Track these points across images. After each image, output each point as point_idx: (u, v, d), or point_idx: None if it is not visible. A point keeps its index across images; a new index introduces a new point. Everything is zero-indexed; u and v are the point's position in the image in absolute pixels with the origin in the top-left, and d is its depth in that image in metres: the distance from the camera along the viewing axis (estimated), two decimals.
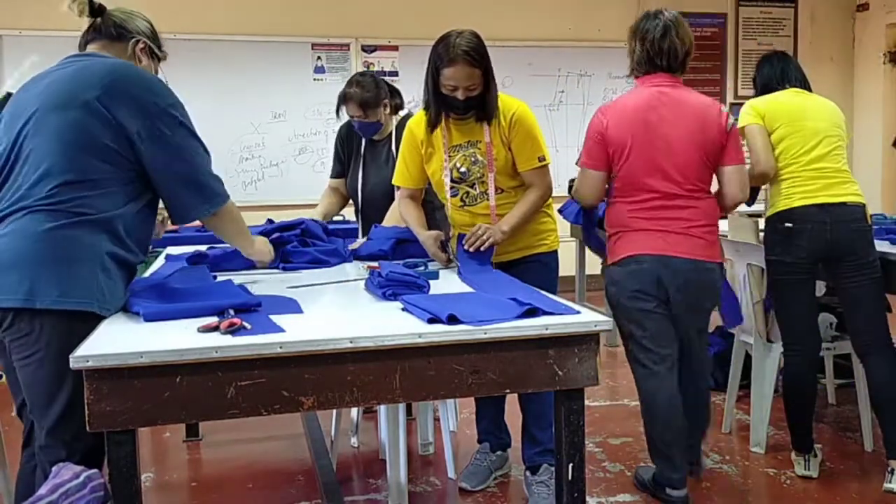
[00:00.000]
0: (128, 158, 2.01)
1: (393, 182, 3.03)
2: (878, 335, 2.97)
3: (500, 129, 2.78)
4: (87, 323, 1.88)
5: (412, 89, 6.26)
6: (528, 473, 2.99)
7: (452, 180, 2.85)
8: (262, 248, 2.51)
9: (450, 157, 2.84)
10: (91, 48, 2.17)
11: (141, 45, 2.21)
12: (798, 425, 3.14)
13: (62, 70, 2.06)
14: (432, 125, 2.82)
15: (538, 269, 2.84)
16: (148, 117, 2.00)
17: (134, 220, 2.05)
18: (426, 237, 2.80)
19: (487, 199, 2.83)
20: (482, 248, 2.65)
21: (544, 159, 2.83)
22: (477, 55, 2.65)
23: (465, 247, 2.67)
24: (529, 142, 2.80)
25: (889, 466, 2.96)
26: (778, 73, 3.19)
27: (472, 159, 2.82)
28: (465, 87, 2.67)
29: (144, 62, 2.21)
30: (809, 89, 3.19)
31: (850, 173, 3.06)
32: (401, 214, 3.00)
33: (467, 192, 2.86)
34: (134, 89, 2.01)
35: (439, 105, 2.76)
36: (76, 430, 1.86)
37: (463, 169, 2.83)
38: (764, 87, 3.21)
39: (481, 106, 2.73)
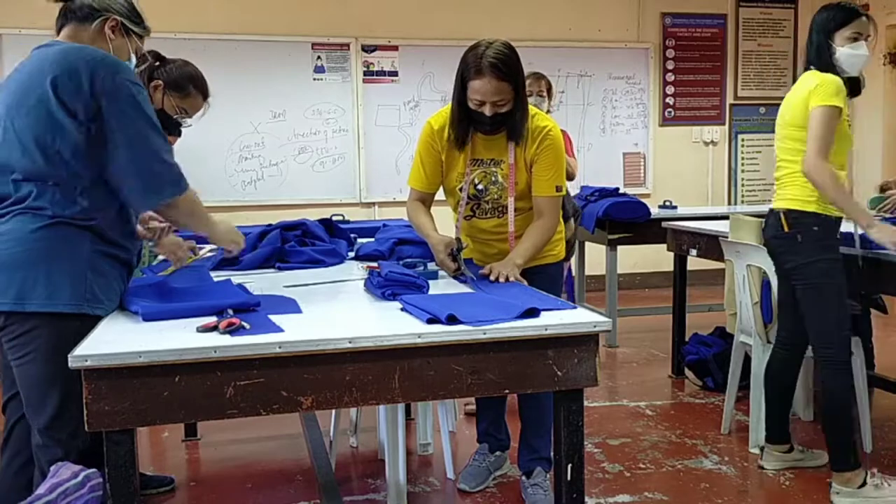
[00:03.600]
0: (94, 150, 1.93)
1: (407, 183, 2.91)
2: (819, 342, 2.89)
3: (525, 147, 2.65)
4: (80, 322, 1.88)
5: (411, 89, 6.30)
6: (523, 478, 2.99)
7: (469, 196, 2.73)
8: (229, 231, 2.32)
9: (470, 170, 2.71)
10: (63, 33, 2.07)
11: (111, 23, 2.07)
12: (770, 414, 3.17)
13: (24, 67, 2.01)
14: (460, 143, 2.67)
15: (544, 280, 2.72)
16: (96, 101, 1.91)
17: (117, 214, 2.02)
18: (437, 242, 2.60)
19: (498, 217, 2.75)
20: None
21: (560, 189, 2.72)
22: (507, 68, 2.48)
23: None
24: (553, 169, 2.67)
25: (833, 487, 2.92)
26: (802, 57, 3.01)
27: (492, 179, 2.70)
28: (493, 101, 2.51)
29: (117, 41, 2.09)
30: (811, 63, 2.90)
31: (793, 176, 2.87)
32: (409, 218, 2.87)
33: (478, 204, 2.76)
34: (80, 76, 1.90)
35: (466, 121, 2.62)
36: (72, 429, 1.87)
37: (480, 187, 2.71)
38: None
39: (510, 124, 2.59)
